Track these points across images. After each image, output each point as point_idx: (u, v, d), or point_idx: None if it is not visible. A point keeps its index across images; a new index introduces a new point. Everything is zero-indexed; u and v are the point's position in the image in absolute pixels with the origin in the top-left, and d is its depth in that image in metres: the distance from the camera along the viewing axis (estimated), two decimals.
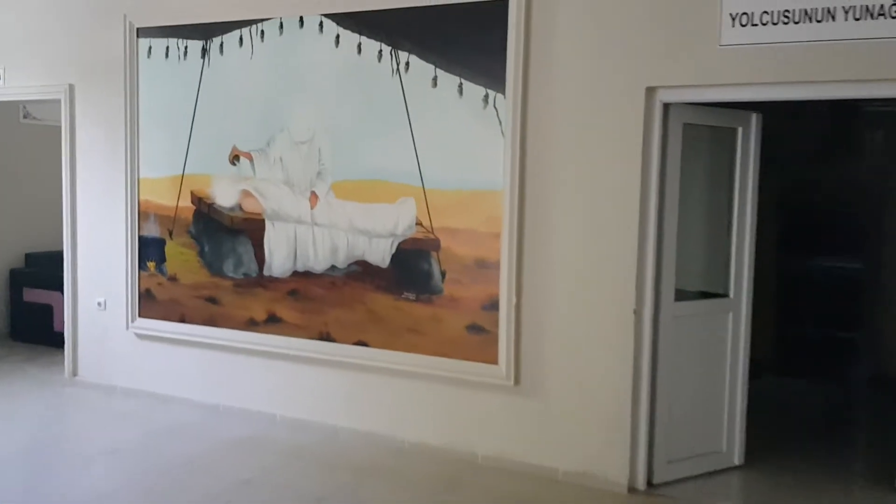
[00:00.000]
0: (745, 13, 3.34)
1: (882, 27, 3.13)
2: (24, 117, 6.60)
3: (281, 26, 4.33)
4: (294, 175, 4.37)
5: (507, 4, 3.71)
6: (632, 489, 3.69)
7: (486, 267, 3.87)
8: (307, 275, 4.36)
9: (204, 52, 4.59)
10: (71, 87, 5.12)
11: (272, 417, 4.55)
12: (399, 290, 4.10)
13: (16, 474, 3.77)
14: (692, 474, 3.84)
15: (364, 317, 4.20)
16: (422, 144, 3.99)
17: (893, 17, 3.11)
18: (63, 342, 5.36)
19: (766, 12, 3.31)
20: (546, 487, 3.72)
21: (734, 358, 3.94)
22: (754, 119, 3.88)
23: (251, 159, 4.50)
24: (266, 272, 4.48)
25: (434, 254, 4.00)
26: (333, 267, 4.28)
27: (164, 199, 4.80)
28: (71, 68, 5.11)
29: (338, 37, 4.17)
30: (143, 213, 4.88)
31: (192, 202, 4.71)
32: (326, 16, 4.19)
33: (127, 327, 5.00)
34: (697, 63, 3.43)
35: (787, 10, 3.28)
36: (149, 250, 4.89)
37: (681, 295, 3.75)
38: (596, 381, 3.71)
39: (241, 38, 4.46)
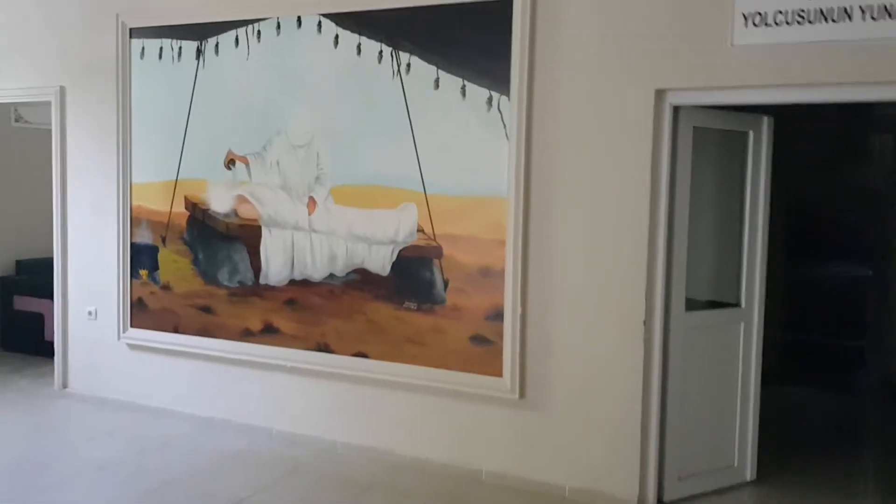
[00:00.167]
0: (758, 12, 3.26)
1: None
2: (16, 121, 6.52)
3: (278, 26, 4.25)
4: (291, 180, 4.27)
5: (512, 3, 3.63)
6: None
7: (491, 275, 3.77)
8: (305, 283, 4.25)
9: (199, 52, 4.50)
10: (61, 90, 5.02)
11: (268, 431, 4.45)
12: (400, 299, 4.00)
13: None
14: (704, 491, 3.75)
15: (363, 327, 4.10)
16: (423, 148, 3.90)
17: None
18: (54, 352, 5.24)
19: (780, 11, 3.22)
20: None
21: (746, 370, 3.85)
22: (766, 122, 3.79)
23: (247, 163, 4.40)
24: (262, 281, 4.38)
25: (436, 262, 3.90)
26: (332, 275, 4.18)
27: (157, 204, 4.70)
28: (61, 70, 5.02)
29: (337, 37, 4.09)
30: (135, 220, 4.79)
31: (187, 208, 4.62)
32: (325, 15, 4.11)
33: (118, 337, 4.90)
34: (709, 64, 3.35)
35: (802, 10, 3.19)
36: (141, 258, 4.79)
37: (690, 304, 3.66)
38: (604, 394, 3.61)
39: (236, 39, 4.38)
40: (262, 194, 4.37)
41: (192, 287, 4.62)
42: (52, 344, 5.34)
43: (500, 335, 3.76)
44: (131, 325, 4.84)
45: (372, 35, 3.99)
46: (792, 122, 4.04)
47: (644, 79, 3.45)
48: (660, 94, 3.45)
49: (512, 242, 3.70)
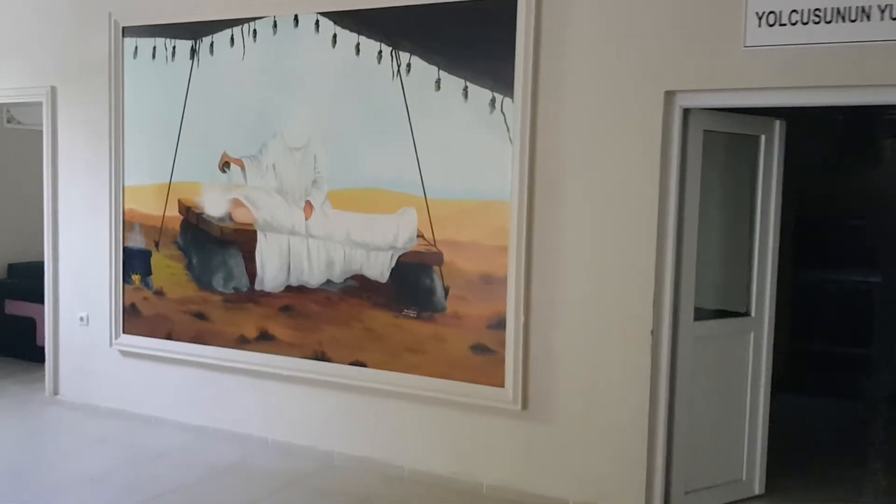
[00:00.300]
0: (772, 12, 3.17)
1: None
2: (8, 122, 6.46)
3: (275, 25, 4.16)
4: (288, 183, 4.18)
5: (516, 1, 3.54)
6: None
7: (493, 282, 3.68)
8: (301, 290, 4.16)
9: (193, 52, 4.41)
10: (53, 90, 4.93)
11: (263, 441, 4.35)
12: (399, 306, 3.90)
13: None
14: None
15: (361, 335, 4.01)
16: (424, 151, 3.81)
17: None
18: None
19: (795, 11, 3.14)
20: None
21: (755, 381, 3.77)
22: (778, 126, 3.70)
23: (242, 166, 4.31)
24: (258, 286, 4.29)
25: (436, 268, 3.81)
26: (329, 281, 4.09)
27: (151, 208, 4.61)
28: (53, 70, 4.93)
29: (335, 36, 4.00)
30: (127, 223, 4.70)
31: (180, 211, 4.53)
32: (323, 14, 4.03)
33: (110, 344, 4.81)
34: (720, 65, 3.26)
35: (817, 9, 3.11)
36: (134, 262, 4.70)
37: (698, 313, 3.58)
38: (609, 405, 3.53)
39: (232, 38, 4.29)
40: (258, 198, 4.28)
41: (186, 293, 4.52)
42: (43, 349, 5.25)
43: (503, 344, 3.67)
44: (124, 332, 4.75)
45: (371, 34, 3.91)
46: (800, 124, 3.94)
47: (653, 80, 3.36)
48: (669, 96, 3.36)
49: (515, 249, 3.62)
